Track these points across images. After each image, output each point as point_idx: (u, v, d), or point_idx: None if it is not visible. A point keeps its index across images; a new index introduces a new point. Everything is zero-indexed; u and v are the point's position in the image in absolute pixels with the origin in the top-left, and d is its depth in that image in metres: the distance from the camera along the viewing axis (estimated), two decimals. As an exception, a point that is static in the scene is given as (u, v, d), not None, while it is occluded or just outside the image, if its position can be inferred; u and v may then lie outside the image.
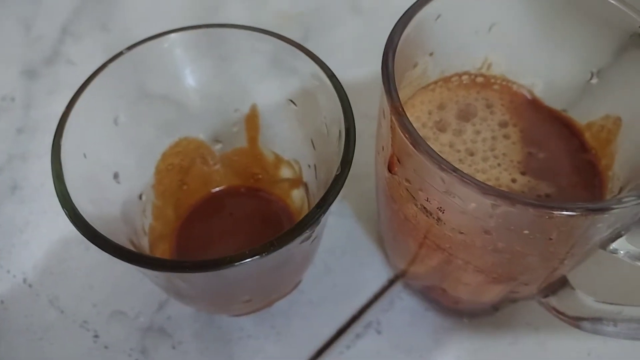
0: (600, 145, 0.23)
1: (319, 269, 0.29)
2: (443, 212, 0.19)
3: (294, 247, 0.19)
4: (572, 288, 0.24)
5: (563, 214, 0.16)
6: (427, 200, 0.19)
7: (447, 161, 0.17)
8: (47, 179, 0.20)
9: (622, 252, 0.19)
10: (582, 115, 0.24)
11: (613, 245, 0.19)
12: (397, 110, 0.18)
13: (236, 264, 0.17)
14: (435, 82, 0.25)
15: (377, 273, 0.29)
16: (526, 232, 0.18)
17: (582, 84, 0.23)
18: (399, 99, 0.18)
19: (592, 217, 0.17)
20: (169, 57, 0.23)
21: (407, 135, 0.18)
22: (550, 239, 0.18)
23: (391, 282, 0.29)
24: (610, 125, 0.22)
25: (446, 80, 0.25)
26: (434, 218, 0.19)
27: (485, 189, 0.16)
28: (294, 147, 0.26)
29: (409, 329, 0.27)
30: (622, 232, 0.18)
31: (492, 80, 0.25)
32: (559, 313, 0.23)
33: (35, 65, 0.38)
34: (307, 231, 0.18)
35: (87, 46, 0.39)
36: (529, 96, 0.25)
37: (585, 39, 0.22)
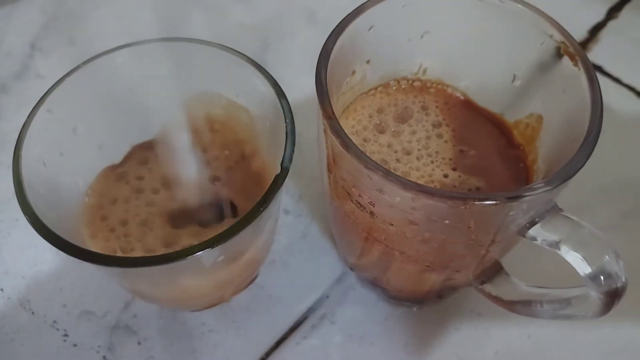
0: (526, 142, 0.25)
1: (278, 266, 0.31)
2: (374, 206, 0.21)
3: (240, 241, 0.21)
4: (507, 274, 0.26)
5: (475, 204, 0.18)
6: (360, 196, 0.21)
7: (372, 160, 0.19)
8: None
9: (539, 238, 0.20)
10: (511, 115, 0.26)
11: (530, 233, 0.21)
12: (328, 114, 0.20)
13: (182, 258, 0.19)
14: (375, 88, 0.27)
15: (331, 268, 0.31)
16: (447, 222, 0.20)
17: (508, 85, 0.25)
18: (330, 103, 0.20)
19: (503, 205, 0.19)
20: (126, 70, 0.25)
21: (337, 138, 0.20)
22: (470, 227, 0.20)
23: (344, 276, 0.30)
24: (534, 123, 0.25)
25: (385, 85, 0.27)
26: (367, 212, 0.21)
27: (405, 184, 0.18)
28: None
29: (361, 319, 0.29)
30: (537, 220, 0.20)
31: (429, 84, 0.27)
32: (495, 298, 0.25)
33: (5, 79, 0.39)
34: (249, 227, 0.20)
35: (56, 60, 0.40)
36: (462, 98, 0.27)
37: (509, 45, 0.24)
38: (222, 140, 0.28)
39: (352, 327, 0.29)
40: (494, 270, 0.26)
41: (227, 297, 0.27)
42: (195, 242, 0.19)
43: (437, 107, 0.27)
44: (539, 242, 0.21)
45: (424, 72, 0.27)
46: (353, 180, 0.21)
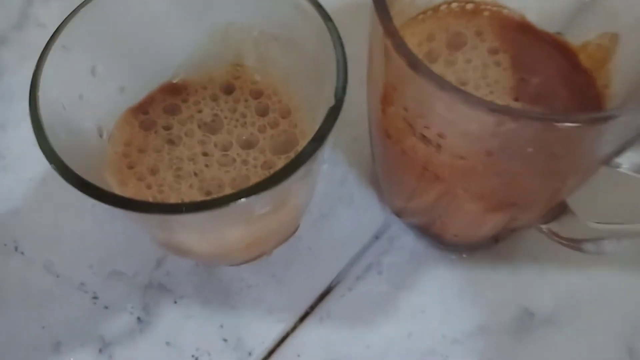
0: (595, 65, 0.23)
1: (315, 216, 0.29)
2: (443, 138, 0.18)
3: (291, 184, 0.18)
4: (573, 212, 0.23)
5: (568, 125, 0.16)
6: (426, 127, 0.19)
7: (448, 81, 0.17)
8: (29, 146, 0.19)
9: (625, 165, 0.18)
10: (577, 37, 0.23)
11: (617, 160, 0.18)
12: (391, 32, 0.17)
13: (231, 204, 0.17)
14: (424, 12, 0.24)
15: (373, 215, 0.29)
16: (530, 149, 0.17)
17: (577, 2, 0.22)
18: (391, 19, 0.18)
19: (597, 127, 0.16)
20: (143, 4, 0.22)
21: (404, 57, 0.17)
22: (554, 154, 0.18)
23: (389, 224, 0.28)
24: (607, 43, 0.22)
25: (435, 9, 0.24)
26: (433, 146, 0.19)
27: (491, 106, 0.16)
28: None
29: (409, 267, 0.27)
30: (626, 145, 0.18)
31: (482, 7, 0.24)
32: (560, 238, 0.23)
33: (4, 31, 0.36)
34: (303, 167, 0.18)
35: (57, 5, 0.37)
36: (520, 20, 0.24)
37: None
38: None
39: (400, 277, 0.27)
40: (560, 209, 0.24)
41: (270, 250, 0.25)
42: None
43: (492, 31, 0.24)
44: (623, 168, 0.19)
45: (479, -9, 0.24)
46: (420, 108, 0.18)
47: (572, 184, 0.20)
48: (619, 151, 0.18)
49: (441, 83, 0.17)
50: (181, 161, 0.23)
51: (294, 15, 0.22)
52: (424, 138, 0.19)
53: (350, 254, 0.28)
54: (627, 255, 0.26)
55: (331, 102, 0.19)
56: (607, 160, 0.19)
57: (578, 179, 0.20)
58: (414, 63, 0.17)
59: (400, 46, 0.17)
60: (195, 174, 0.23)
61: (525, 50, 0.24)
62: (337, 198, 0.29)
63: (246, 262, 0.25)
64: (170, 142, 0.24)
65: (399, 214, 0.27)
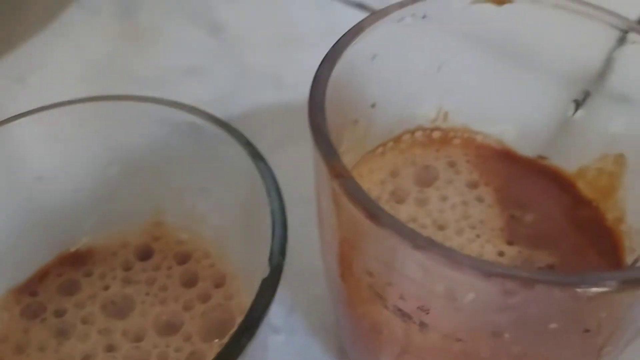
0: (601, 195, 0.18)
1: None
2: (427, 313, 0.13)
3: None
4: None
5: (609, 289, 0.11)
6: (402, 299, 0.13)
7: (422, 235, 0.11)
8: None
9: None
10: (571, 161, 0.19)
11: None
12: (339, 172, 0.13)
13: None
14: (384, 144, 0.20)
15: (347, 401, 0.22)
16: (553, 325, 0.12)
17: (564, 119, 0.18)
18: (338, 156, 0.13)
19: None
20: (31, 145, 0.17)
21: (358, 205, 0.12)
22: (587, 330, 0.12)
23: (367, 411, 0.22)
24: (611, 167, 0.18)
25: (396, 140, 0.20)
26: (414, 323, 0.13)
27: (489, 270, 0.11)
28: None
29: None
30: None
31: (452, 134, 0.20)
32: None
33: None
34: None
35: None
36: (498, 147, 0.20)
37: (560, 63, 0.17)
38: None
39: None
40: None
41: None
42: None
43: (468, 161, 0.20)
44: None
45: (445, 117, 0.20)
46: (388, 273, 0.13)
47: (615, 350, 0.14)
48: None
49: (413, 237, 0.11)
50: (73, 361, 0.17)
51: (219, 157, 0.17)
52: (400, 312, 0.14)
53: None
54: None
55: (267, 270, 0.14)
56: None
57: (616, 353, 0.14)
58: (372, 211, 0.12)
59: (353, 190, 0.12)
60: (92, 380, 0.17)
61: (511, 181, 0.20)
62: (298, 383, 0.23)
63: None
64: (62, 333, 0.18)
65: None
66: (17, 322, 0.18)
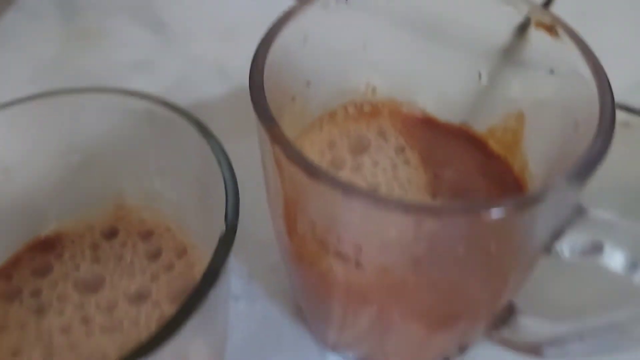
0: (508, 149, 0.21)
1: (238, 368, 0.24)
2: (361, 252, 0.15)
3: (189, 339, 0.15)
4: (523, 314, 0.21)
5: (493, 215, 0.13)
6: (339, 242, 0.16)
7: (352, 185, 0.14)
8: None
9: (568, 250, 0.16)
10: (482, 123, 0.22)
11: (558, 246, 0.16)
12: (277, 137, 0.15)
13: None
14: (321, 119, 0.22)
15: (308, 355, 0.24)
16: (460, 250, 0.15)
17: (475, 87, 0.21)
18: (278, 125, 0.15)
19: (527, 211, 0.14)
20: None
21: (298, 165, 0.14)
22: (488, 252, 0.15)
23: (324, 361, 0.24)
24: (514, 124, 0.21)
25: (332, 115, 0.22)
26: (352, 263, 0.16)
27: (405, 206, 0.13)
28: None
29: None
30: (564, 227, 0.16)
31: (380, 106, 0.23)
32: (516, 346, 0.20)
33: None
34: (198, 314, 0.14)
35: None
36: (421, 115, 0.23)
37: (471, 39, 0.20)
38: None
39: None
40: (508, 312, 0.21)
41: None
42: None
43: (395, 130, 0.23)
44: (568, 255, 0.16)
45: (373, 91, 0.23)
46: (327, 220, 0.15)
47: (515, 281, 0.17)
48: (557, 235, 0.16)
49: (345, 188, 0.14)
50: (51, 334, 0.19)
51: (172, 139, 0.19)
52: (339, 255, 0.16)
53: (285, 408, 0.23)
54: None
55: (223, 229, 0.16)
56: (547, 249, 0.16)
57: (520, 275, 0.17)
58: (310, 170, 0.14)
59: (292, 153, 0.15)
60: (72, 348, 0.18)
61: (433, 145, 0.22)
62: (261, 343, 0.25)
63: None
64: (39, 311, 0.19)
65: (333, 348, 0.23)
66: (-4, 304, 0.20)
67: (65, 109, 0.20)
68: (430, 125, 0.23)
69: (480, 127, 0.22)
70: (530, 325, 0.20)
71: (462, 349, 0.22)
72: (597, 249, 0.15)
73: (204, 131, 0.18)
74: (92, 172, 0.21)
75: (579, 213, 0.16)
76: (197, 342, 0.16)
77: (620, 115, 0.18)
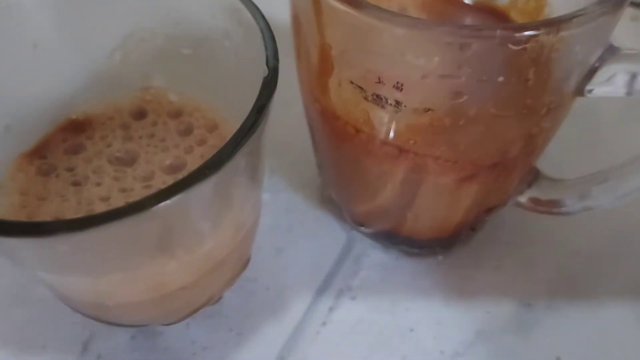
0: (531, 17, 0.22)
1: (268, 252, 0.25)
2: (401, 90, 0.16)
3: (233, 176, 0.15)
4: (547, 177, 0.21)
5: (537, 32, 0.14)
6: (380, 82, 0.16)
7: (400, 13, 0.14)
8: None
9: (601, 86, 0.16)
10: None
11: (591, 83, 0.17)
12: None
13: (161, 203, 0.13)
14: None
15: (332, 237, 0.25)
16: (500, 78, 0.15)
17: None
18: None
19: (566, 30, 0.14)
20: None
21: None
22: (526, 82, 0.15)
23: (351, 242, 0.25)
24: (536, -12, 0.21)
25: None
26: (391, 105, 0.16)
27: (454, 26, 0.14)
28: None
29: (384, 286, 0.24)
30: (597, 65, 0.16)
31: (401, -16, 0.23)
32: (541, 205, 0.21)
33: None
34: (247, 145, 0.14)
35: None
36: (443, -8, 0.23)
37: None
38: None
39: (377, 298, 0.23)
40: (533, 176, 0.21)
41: (220, 292, 0.21)
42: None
43: (416, 7, 0.23)
44: (602, 90, 0.17)
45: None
46: (368, 58, 0.16)
47: (548, 124, 0.18)
48: (590, 75, 0.17)
49: (393, 16, 0.14)
50: (92, 203, 0.19)
51: (197, 11, 0.19)
52: (378, 99, 0.16)
53: (315, 285, 0.24)
54: (613, 218, 0.24)
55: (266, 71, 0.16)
56: (581, 88, 0.17)
57: (553, 117, 0.18)
58: (355, 2, 0.14)
59: (333, -14, 0.15)
60: (114, 214, 0.19)
61: (453, 19, 0.23)
62: (287, 227, 0.26)
63: (193, 313, 0.21)
64: (76, 183, 0.20)
65: (363, 222, 0.23)
66: (34, 179, 0.20)
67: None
68: (450, 0, 0.23)
69: (501, 1, 0.22)
70: (555, 184, 0.21)
71: (488, 214, 0.22)
72: (633, 78, 0.16)
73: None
74: (119, 55, 0.21)
75: (612, 51, 0.16)
76: (239, 181, 0.16)
77: (628, 11, 0.18)
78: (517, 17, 0.22)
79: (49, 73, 0.20)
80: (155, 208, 0.13)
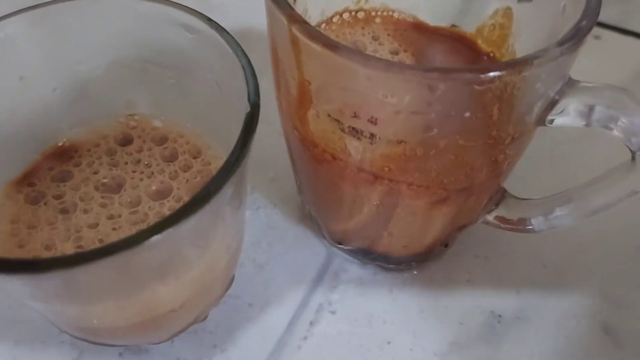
0: (496, 45, 0.23)
1: (249, 269, 0.26)
2: (376, 124, 0.17)
3: (219, 208, 0.16)
4: (513, 196, 0.23)
5: (496, 74, 0.15)
6: (356, 116, 0.17)
7: (373, 55, 0.15)
8: None
9: (561, 117, 0.18)
10: (470, 24, 0.23)
11: (552, 114, 0.18)
12: (297, 19, 0.16)
13: (140, 243, 0.14)
14: (319, 26, 0.23)
15: (312, 253, 0.26)
16: (467, 114, 0.16)
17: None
18: (294, 8, 0.16)
19: (525, 73, 0.16)
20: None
21: (318, 41, 0.16)
22: (491, 116, 0.17)
23: (330, 258, 0.26)
24: (501, 19, 0.22)
25: (328, 22, 0.24)
26: (366, 137, 0.17)
27: (424, 69, 0.15)
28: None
29: (362, 299, 0.25)
30: (557, 98, 0.18)
31: (373, 13, 0.24)
32: (508, 223, 0.22)
33: None
34: (232, 179, 0.15)
35: None
36: (413, 21, 0.24)
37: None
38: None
39: (356, 311, 0.24)
40: (500, 196, 0.23)
41: (206, 310, 0.22)
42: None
43: (388, 35, 0.24)
44: (561, 120, 0.18)
45: (367, -2, 0.24)
46: (344, 95, 0.17)
47: (513, 152, 0.19)
48: (551, 107, 0.18)
49: (366, 58, 0.15)
50: (80, 230, 0.20)
51: (180, 43, 0.20)
52: (354, 131, 0.17)
53: (296, 300, 0.25)
54: (578, 231, 0.26)
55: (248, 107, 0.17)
56: (543, 119, 0.18)
57: (517, 145, 0.19)
58: (330, 44, 0.16)
59: (311, 31, 0.16)
60: (101, 241, 0.20)
61: (425, 47, 0.24)
62: (268, 244, 0.27)
63: (181, 332, 0.22)
64: (64, 211, 0.20)
65: (341, 240, 0.25)
66: (23, 207, 0.20)
67: (81, 16, 0.20)
68: (421, 29, 0.24)
69: (469, 28, 0.24)
70: (521, 203, 0.22)
71: (459, 231, 0.24)
72: (590, 110, 0.17)
73: (217, 27, 0.19)
74: (103, 83, 0.22)
75: (570, 84, 0.18)
76: (224, 211, 0.17)
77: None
78: (483, 45, 0.23)
79: (35, 102, 0.21)
80: (147, 242, 0.14)
